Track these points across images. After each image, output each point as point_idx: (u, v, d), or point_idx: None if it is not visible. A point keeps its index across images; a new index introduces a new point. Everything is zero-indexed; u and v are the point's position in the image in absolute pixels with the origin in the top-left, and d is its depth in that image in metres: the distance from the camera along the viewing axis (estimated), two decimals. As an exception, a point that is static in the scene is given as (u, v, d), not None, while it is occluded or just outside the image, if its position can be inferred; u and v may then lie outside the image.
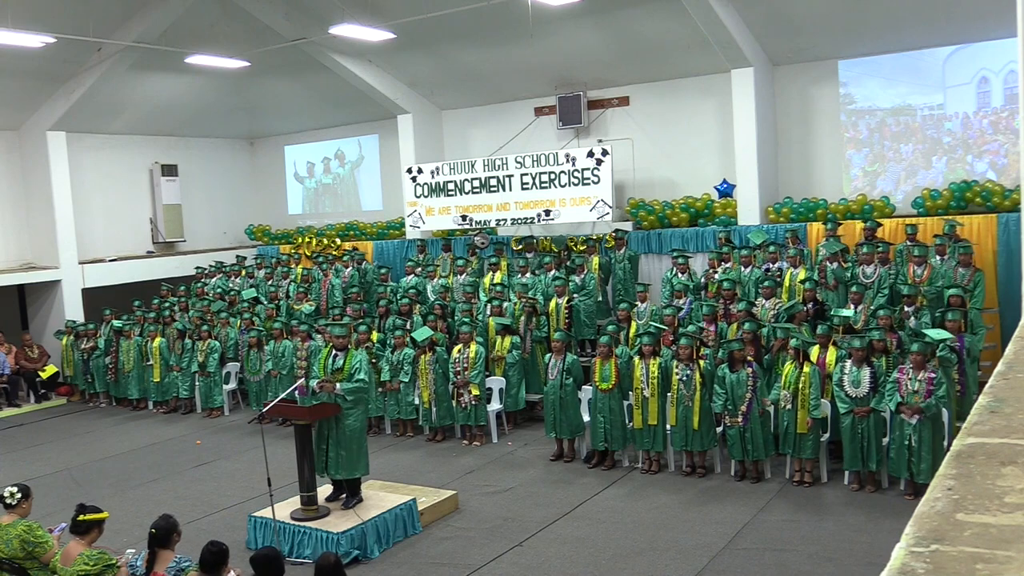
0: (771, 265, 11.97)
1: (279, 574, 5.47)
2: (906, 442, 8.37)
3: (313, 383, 8.43)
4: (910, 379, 8.41)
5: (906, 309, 10.12)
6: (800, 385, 8.97)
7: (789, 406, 9.01)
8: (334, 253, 17.45)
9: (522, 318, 12.34)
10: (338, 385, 8.18)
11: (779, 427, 9.11)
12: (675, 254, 12.82)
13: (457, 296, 13.71)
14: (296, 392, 8.47)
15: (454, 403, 11.47)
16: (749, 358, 9.39)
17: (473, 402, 11.30)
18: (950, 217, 11.82)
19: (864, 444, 8.78)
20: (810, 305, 10.76)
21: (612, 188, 14.09)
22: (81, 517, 5.57)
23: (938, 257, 11.01)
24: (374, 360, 11.88)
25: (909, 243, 11.50)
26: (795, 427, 9.01)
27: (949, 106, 12.90)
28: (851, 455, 8.87)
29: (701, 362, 9.58)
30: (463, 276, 14.04)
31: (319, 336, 12.50)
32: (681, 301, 11.66)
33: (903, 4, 12.10)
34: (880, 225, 12.23)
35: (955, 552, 1.26)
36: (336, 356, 8.49)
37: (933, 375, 8.36)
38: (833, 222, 12.30)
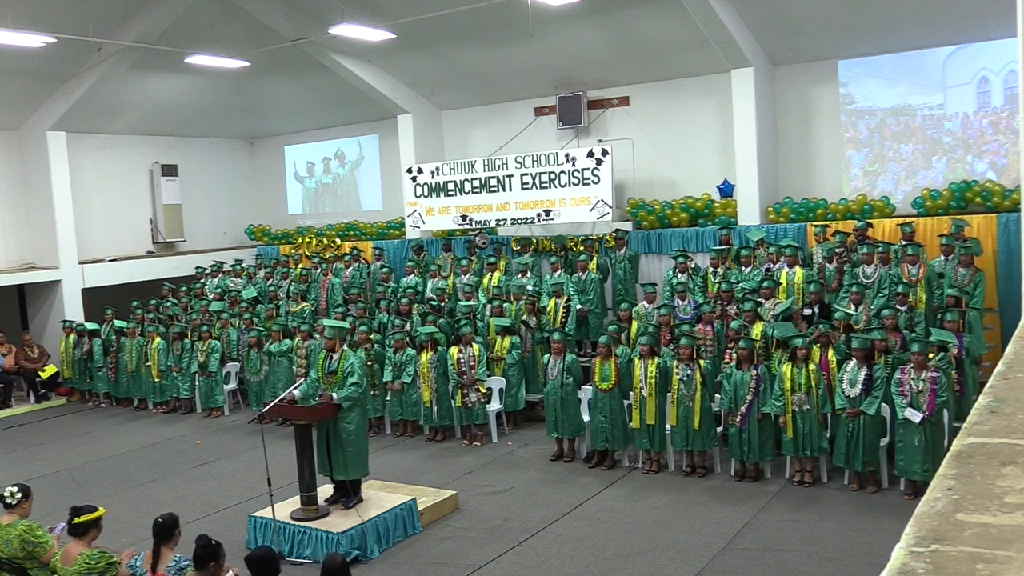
0: (771, 266, 11.97)
1: (275, 574, 5.47)
2: (915, 443, 8.37)
3: (300, 388, 8.42)
4: (913, 379, 8.42)
5: (899, 308, 10.10)
6: (812, 384, 8.98)
7: (807, 406, 8.99)
8: (335, 253, 17.44)
9: (523, 317, 12.33)
10: (334, 395, 8.19)
11: (795, 429, 9.07)
12: (676, 254, 12.81)
13: (459, 295, 13.73)
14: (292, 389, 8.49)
15: (457, 403, 11.44)
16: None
17: (483, 400, 11.32)
18: (955, 217, 11.79)
19: (852, 444, 8.80)
20: (816, 307, 10.76)
21: (612, 188, 14.09)
22: (76, 520, 5.53)
23: (942, 257, 11.00)
24: (371, 363, 11.89)
25: (903, 243, 11.48)
26: (812, 426, 9.01)
27: (949, 106, 12.90)
28: (840, 451, 8.94)
29: (701, 362, 9.59)
30: (466, 276, 14.04)
31: (319, 335, 12.51)
32: (685, 302, 11.65)
33: (903, 4, 12.09)
34: (871, 226, 12.22)
35: (955, 552, 1.25)
36: (331, 358, 8.49)
37: (936, 374, 8.37)
38: (822, 228, 12.24)
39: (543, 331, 12.28)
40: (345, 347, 8.72)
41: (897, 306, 10.08)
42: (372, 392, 11.97)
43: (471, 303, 12.99)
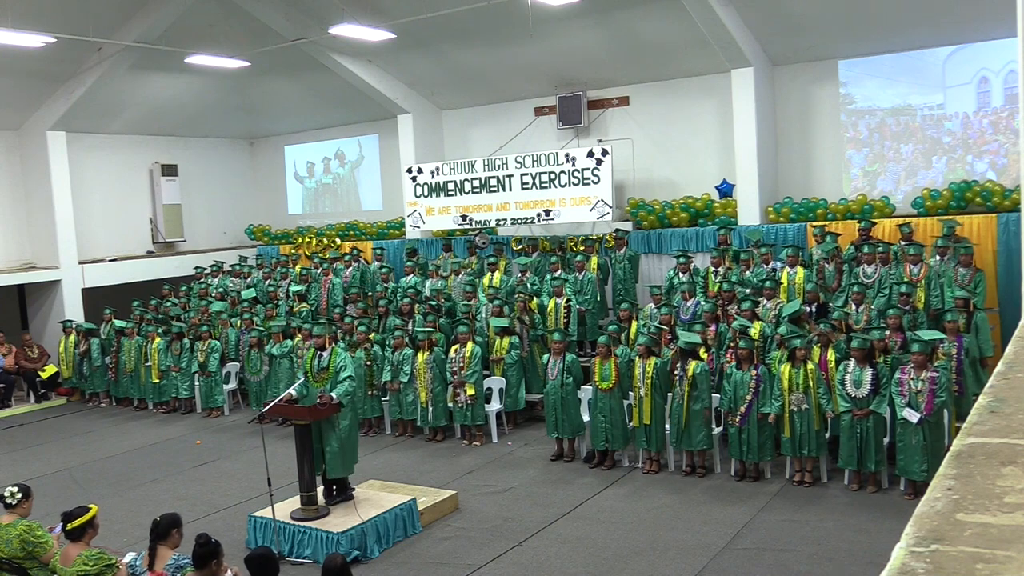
0: (764, 266, 11.99)
1: (274, 574, 5.48)
2: (913, 443, 8.37)
3: (294, 388, 8.44)
4: (912, 379, 8.42)
5: (903, 308, 10.10)
6: (811, 384, 8.98)
7: (806, 405, 8.99)
8: (335, 253, 17.43)
9: (515, 316, 12.30)
10: (333, 395, 8.21)
11: (792, 429, 9.08)
12: (678, 254, 12.80)
13: (456, 296, 13.72)
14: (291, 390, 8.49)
15: (451, 403, 11.47)
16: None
17: (469, 402, 11.30)
18: (949, 217, 11.80)
19: (862, 444, 8.78)
20: (813, 306, 10.77)
21: (612, 188, 14.09)
22: (70, 525, 5.50)
23: (937, 257, 11.01)
24: (369, 362, 11.91)
25: (904, 243, 11.47)
26: (809, 426, 9.01)
27: (949, 106, 12.90)
28: (848, 454, 8.88)
29: (693, 362, 9.57)
30: (460, 276, 14.06)
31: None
32: (689, 302, 11.62)
33: (903, 4, 12.09)
34: (874, 224, 12.23)
35: (955, 552, 1.26)
36: (320, 356, 8.52)
37: (936, 374, 8.37)
38: (820, 229, 12.24)
39: (536, 329, 12.27)
40: (336, 345, 8.73)
41: (900, 306, 10.08)
42: (370, 392, 12.00)
43: (471, 303, 12.98)
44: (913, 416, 8.31)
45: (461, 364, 11.34)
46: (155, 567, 5.25)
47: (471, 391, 11.29)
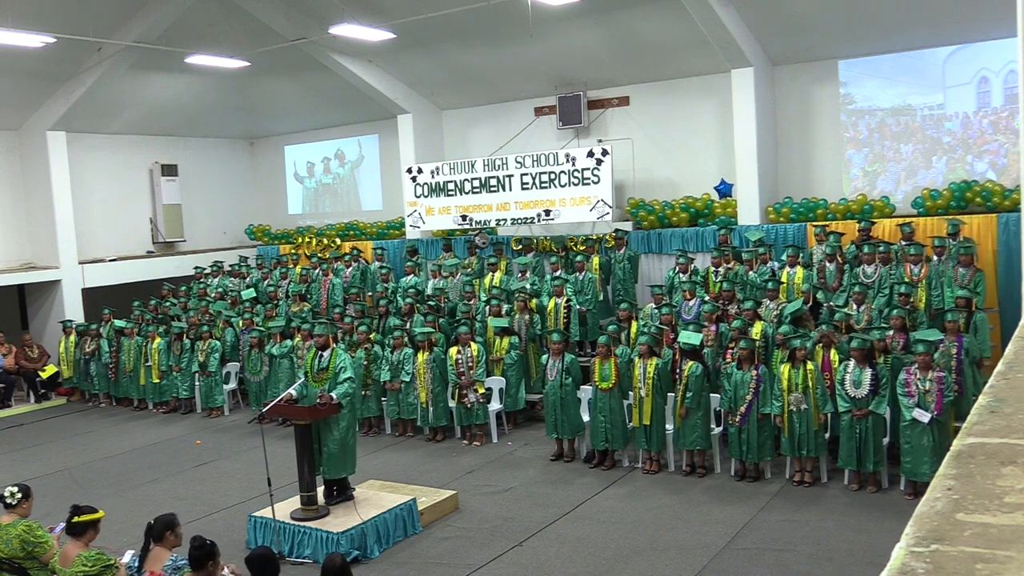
0: (763, 265, 11.98)
1: (274, 574, 5.48)
2: (923, 443, 8.36)
3: (294, 388, 8.44)
4: (919, 379, 8.41)
5: (904, 309, 10.09)
6: (810, 384, 8.98)
7: (805, 406, 8.99)
8: (335, 253, 17.43)
9: (516, 316, 12.31)
10: (333, 395, 8.21)
11: (792, 429, 9.08)
12: (679, 254, 12.79)
13: (453, 296, 13.71)
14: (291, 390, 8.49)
15: (453, 403, 11.46)
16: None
17: (481, 400, 11.31)
18: (951, 216, 11.80)
19: (861, 445, 8.78)
20: (808, 305, 10.77)
21: (612, 188, 14.09)
22: (76, 519, 5.53)
23: (935, 257, 11.00)
24: (368, 362, 11.90)
25: (904, 243, 11.47)
26: (809, 426, 9.01)
27: (949, 106, 12.90)
28: (847, 454, 8.88)
29: (691, 362, 9.57)
30: (456, 278, 14.07)
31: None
32: (692, 302, 11.61)
33: (903, 4, 12.09)
34: (874, 224, 12.23)
35: (955, 552, 1.25)
36: (320, 356, 8.52)
37: (942, 374, 8.37)
38: (821, 228, 12.24)
39: (534, 328, 12.27)
40: (337, 345, 8.73)
41: (900, 306, 10.07)
42: (365, 392, 12.00)
43: (470, 303, 12.98)
44: (924, 416, 8.29)
45: (469, 364, 11.34)
46: (149, 568, 5.25)
47: (482, 390, 11.30)
